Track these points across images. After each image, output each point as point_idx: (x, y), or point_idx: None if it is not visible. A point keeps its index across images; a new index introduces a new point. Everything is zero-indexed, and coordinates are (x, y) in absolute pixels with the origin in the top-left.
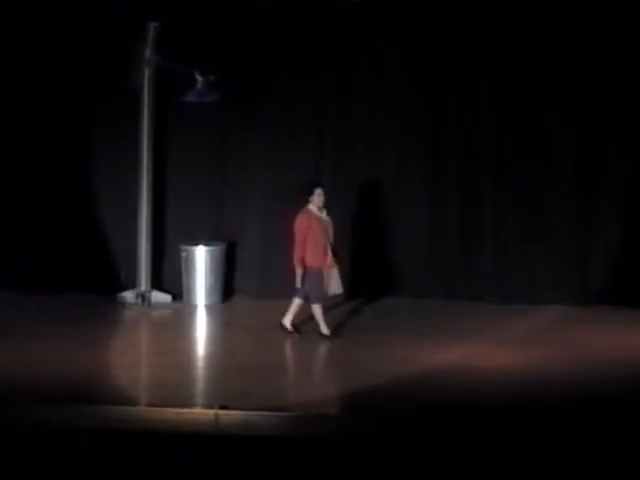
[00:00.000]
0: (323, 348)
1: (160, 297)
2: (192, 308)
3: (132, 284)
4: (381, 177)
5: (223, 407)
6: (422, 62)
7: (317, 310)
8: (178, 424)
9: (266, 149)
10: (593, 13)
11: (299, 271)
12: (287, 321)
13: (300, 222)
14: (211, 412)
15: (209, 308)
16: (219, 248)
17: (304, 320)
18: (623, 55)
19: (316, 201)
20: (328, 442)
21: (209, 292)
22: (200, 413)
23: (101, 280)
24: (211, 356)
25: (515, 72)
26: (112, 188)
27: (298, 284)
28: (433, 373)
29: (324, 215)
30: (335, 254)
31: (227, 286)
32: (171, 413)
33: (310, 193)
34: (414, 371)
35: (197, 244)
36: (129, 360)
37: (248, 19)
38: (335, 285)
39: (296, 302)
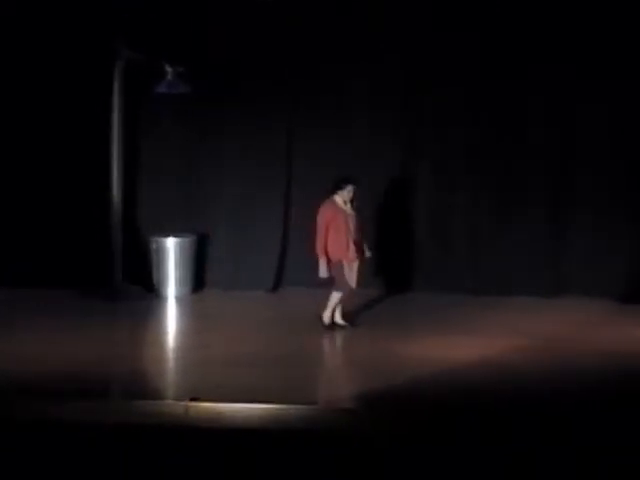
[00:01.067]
0: (296, 340)
1: (131, 289)
2: (163, 300)
3: (104, 276)
4: (352, 170)
5: (194, 399)
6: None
7: (334, 297)
8: (148, 416)
9: (239, 143)
10: (581, 12)
11: (322, 260)
12: (338, 318)
13: (323, 212)
14: (181, 404)
15: (179, 300)
16: (189, 240)
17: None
18: (612, 50)
19: (345, 195)
20: (300, 435)
21: (179, 284)
22: (170, 405)
23: (71, 273)
24: (182, 348)
25: (508, 71)
26: (85, 181)
27: (322, 274)
28: (414, 367)
29: (349, 208)
30: (359, 247)
31: (197, 278)
32: (142, 405)
33: (340, 187)
34: (392, 363)
35: (167, 236)
36: (100, 352)
37: (236, 15)
38: (352, 279)
39: (334, 295)
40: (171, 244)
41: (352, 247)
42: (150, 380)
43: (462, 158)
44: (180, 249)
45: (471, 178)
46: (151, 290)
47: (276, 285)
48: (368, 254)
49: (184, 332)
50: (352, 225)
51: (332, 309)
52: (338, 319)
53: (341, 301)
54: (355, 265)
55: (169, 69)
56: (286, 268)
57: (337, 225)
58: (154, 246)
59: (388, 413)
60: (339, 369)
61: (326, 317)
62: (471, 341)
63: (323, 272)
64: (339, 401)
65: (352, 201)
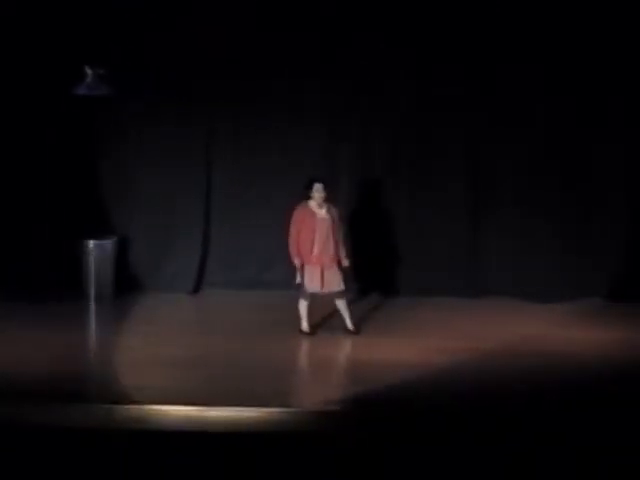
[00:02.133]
0: (218, 342)
1: (53, 291)
2: (84, 302)
3: (25, 278)
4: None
5: (117, 402)
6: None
7: (301, 306)
8: (72, 419)
9: (160, 144)
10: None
11: (297, 264)
12: (304, 326)
13: (295, 216)
14: (105, 407)
15: (101, 302)
16: (109, 242)
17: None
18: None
19: (315, 197)
20: (222, 436)
21: (101, 286)
22: (94, 408)
23: None
24: (104, 350)
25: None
26: (7, 183)
27: (298, 279)
28: (331, 366)
29: (323, 212)
30: (330, 254)
31: (119, 280)
32: (65, 408)
33: (309, 188)
34: (301, 364)
35: (88, 238)
36: (20, 354)
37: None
38: (315, 284)
39: (302, 304)
40: (92, 246)
41: (317, 252)
42: (73, 382)
43: (384, 157)
44: (101, 251)
45: (390, 179)
46: (73, 292)
47: (197, 287)
48: (345, 263)
49: (106, 334)
50: (324, 230)
51: (305, 316)
52: (304, 327)
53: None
54: (321, 270)
55: (89, 71)
56: (207, 270)
57: (305, 228)
58: (75, 248)
59: (299, 414)
60: (261, 370)
61: (304, 326)
62: (395, 342)
63: (298, 278)
64: (262, 403)
65: (327, 202)
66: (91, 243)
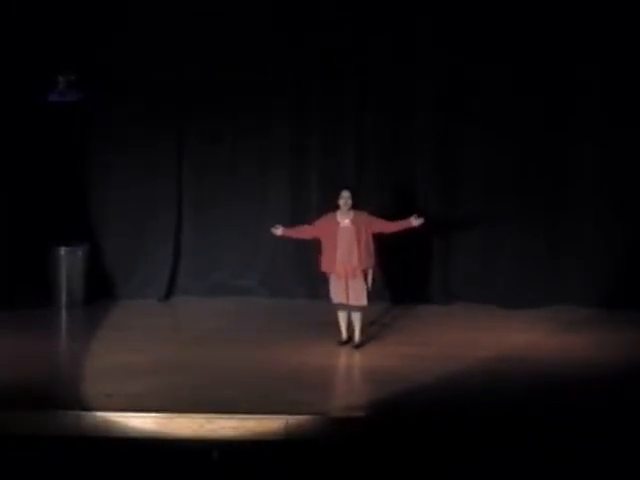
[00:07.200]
0: (191, 349)
1: (24, 298)
2: (55, 309)
3: None
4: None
5: (85, 408)
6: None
7: (337, 315)
8: (41, 427)
9: (130, 150)
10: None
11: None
12: (356, 337)
13: (319, 218)
14: (74, 414)
15: (72, 309)
16: (81, 249)
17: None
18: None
19: (340, 204)
20: (189, 444)
21: (72, 293)
22: (63, 415)
23: None
24: (74, 357)
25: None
26: None
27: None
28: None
29: (347, 221)
30: (351, 263)
31: (90, 287)
32: (34, 416)
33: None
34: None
35: (60, 245)
36: None
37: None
38: (341, 295)
39: (339, 315)
40: (63, 253)
41: (340, 261)
42: (42, 389)
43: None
44: (72, 258)
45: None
46: (43, 299)
47: (168, 294)
48: (369, 283)
49: (76, 341)
50: (346, 239)
51: (341, 326)
52: (356, 337)
53: (343, 320)
54: (345, 281)
55: (61, 78)
56: (178, 277)
57: (327, 237)
58: (47, 255)
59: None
60: (230, 377)
61: (342, 335)
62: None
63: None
64: (232, 410)
65: (355, 210)
66: (62, 250)
